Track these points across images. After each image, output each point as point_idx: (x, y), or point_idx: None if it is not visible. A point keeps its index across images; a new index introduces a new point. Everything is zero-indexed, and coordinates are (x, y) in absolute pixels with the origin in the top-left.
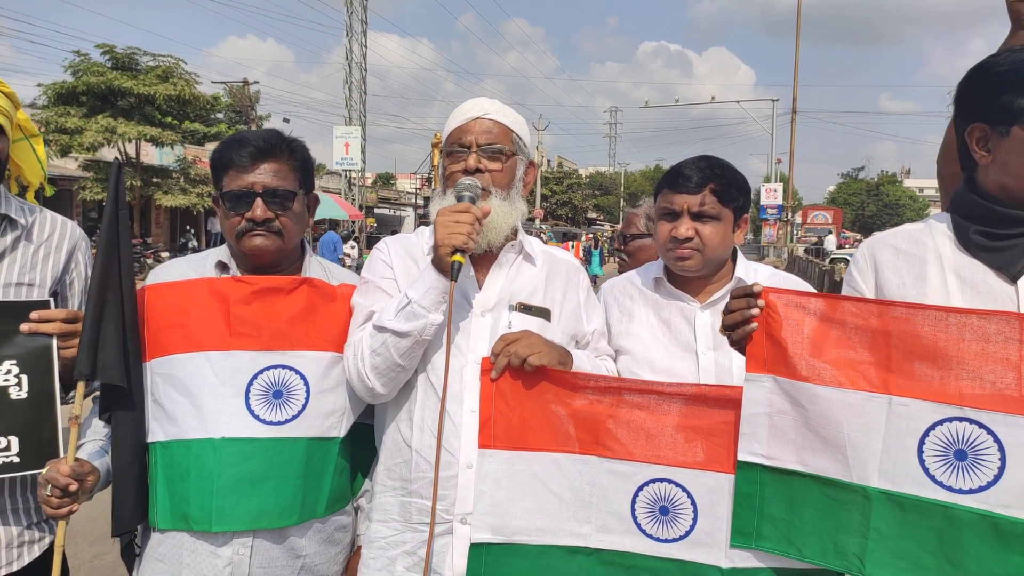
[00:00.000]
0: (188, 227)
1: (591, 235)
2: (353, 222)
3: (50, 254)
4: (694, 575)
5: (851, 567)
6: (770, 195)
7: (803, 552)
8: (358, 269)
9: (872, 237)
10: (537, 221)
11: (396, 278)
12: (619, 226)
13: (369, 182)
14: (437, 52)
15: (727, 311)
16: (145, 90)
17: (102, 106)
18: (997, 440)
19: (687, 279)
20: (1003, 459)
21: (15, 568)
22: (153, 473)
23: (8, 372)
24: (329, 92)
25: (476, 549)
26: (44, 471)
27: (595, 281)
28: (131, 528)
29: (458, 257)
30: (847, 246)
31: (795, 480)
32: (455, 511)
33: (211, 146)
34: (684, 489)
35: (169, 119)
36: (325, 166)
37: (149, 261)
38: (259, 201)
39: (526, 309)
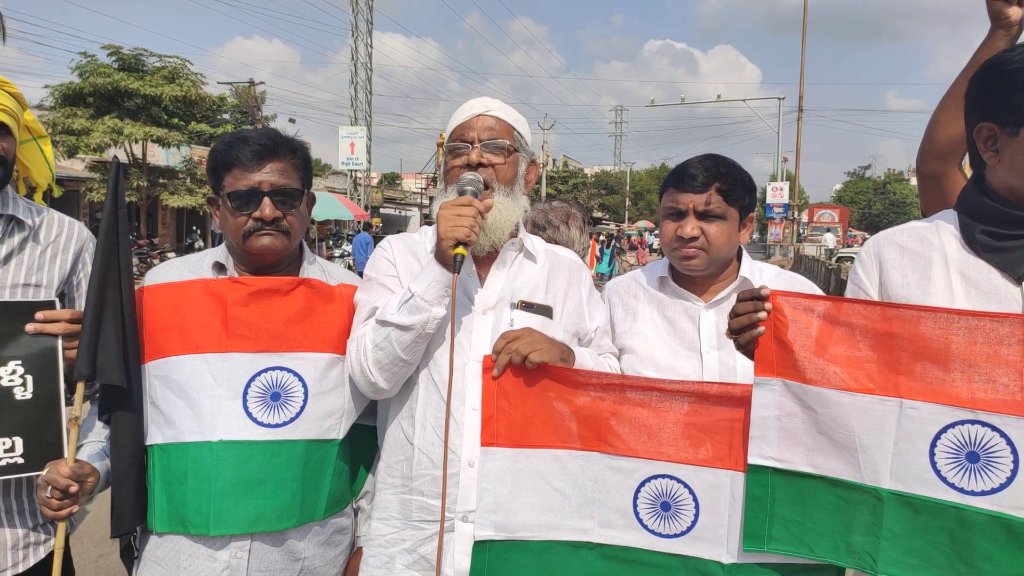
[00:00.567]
0: (194, 227)
1: (607, 233)
2: (358, 222)
3: (57, 255)
4: (696, 570)
5: (864, 565)
6: (776, 194)
7: (816, 551)
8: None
9: (878, 234)
10: None
11: (399, 275)
12: (624, 225)
13: (374, 182)
14: (442, 52)
15: (734, 314)
16: (151, 91)
17: (109, 107)
18: (1010, 443)
19: (692, 278)
20: (1016, 462)
21: (21, 570)
22: (151, 476)
23: (13, 372)
24: (335, 92)
25: (480, 546)
26: (44, 473)
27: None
28: (130, 530)
29: (460, 250)
30: (855, 245)
31: (806, 482)
32: (457, 509)
33: None
34: (686, 485)
35: (175, 120)
36: (331, 166)
37: (156, 261)
38: (267, 200)
39: (528, 307)
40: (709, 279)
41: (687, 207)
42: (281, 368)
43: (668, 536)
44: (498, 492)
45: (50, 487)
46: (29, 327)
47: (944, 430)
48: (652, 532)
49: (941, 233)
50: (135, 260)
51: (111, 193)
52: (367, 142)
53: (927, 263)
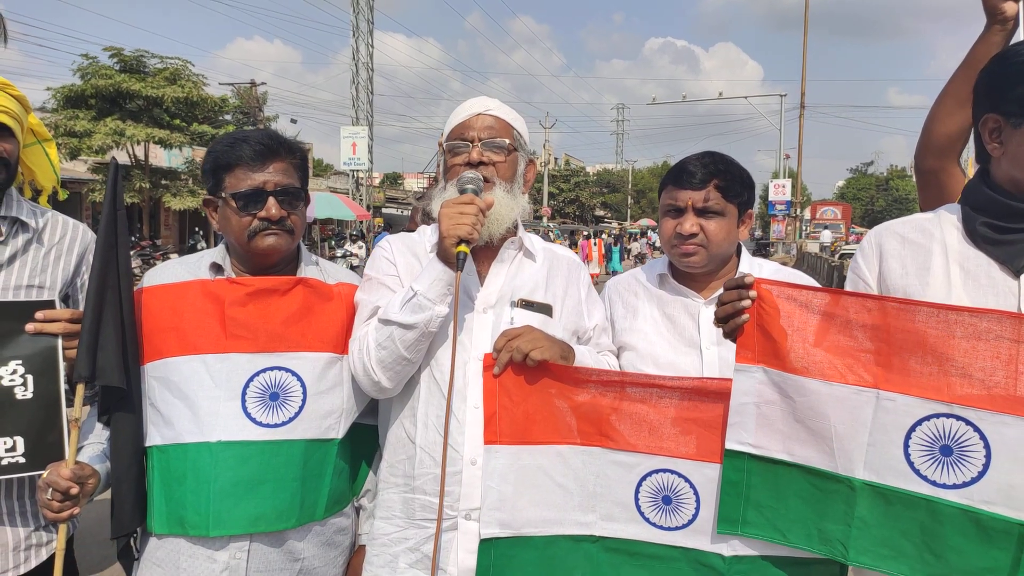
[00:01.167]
0: (197, 228)
1: (614, 232)
2: (361, 222)
3: (61, 257)
4: (697, 562)
5: (835, 552)
6: (779, 191)
7: (788, 537)
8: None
9: (881, 224)
10: (545, 219)
11: (399, 275)
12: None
13: (376, 182)
14: (443, 51)
15: (719, 303)
16: (153, 92)
17: (111, 109)
18: (983, 437)
19: (692, 275)
20: (988, 456)
21: (22, 571)
22: (150, 477)
23: (14, 372)
24: (336, 92)
25: (485, 544)
26: (44, 475)
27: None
28: (130, 531)
29: (463, 248)
30: (855, 242)
31: (781, 469)
32: (460, 507)
33: None
34: (686, 479)
35: (177, 121)
36: (333, 166)
37: (158, 263)
38: (272, 200)
39: (528, 305)
40: (708, 276)
41: (686, 204)
42: (279, 368)
43: (669, 529)
44: (502, 490)
45: (51, 489)
46: (29, 327)
47: (919, 423)
48: (654, 525)
49: (943, 225)
50: (138, 262)
51: (110, 194)
52: (369, 142)
53: (927, 254)
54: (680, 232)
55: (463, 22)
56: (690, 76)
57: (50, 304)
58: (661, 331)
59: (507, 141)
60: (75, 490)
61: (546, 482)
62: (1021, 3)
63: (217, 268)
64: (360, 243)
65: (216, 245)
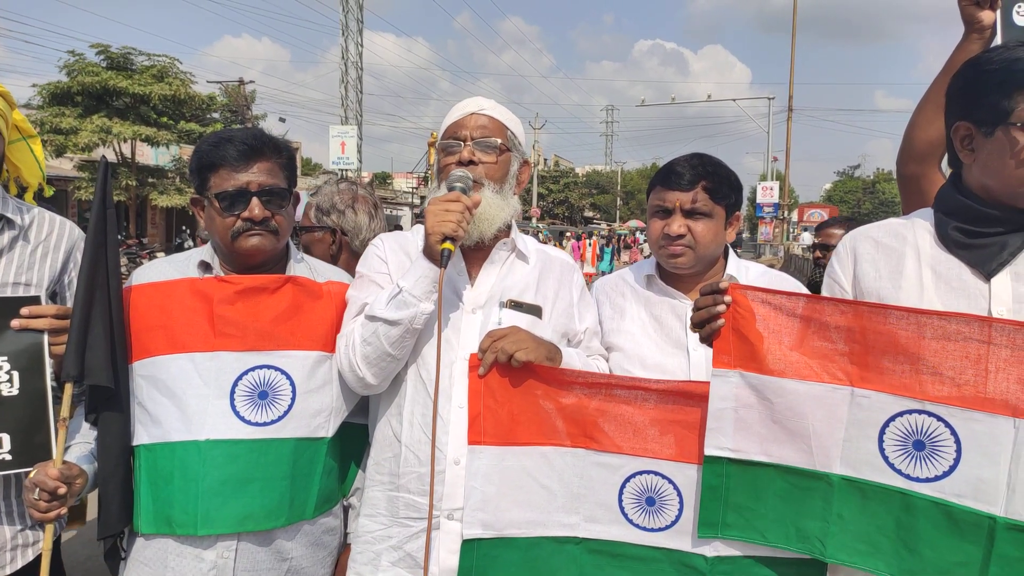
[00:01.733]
0: (184, 227)
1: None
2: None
3: (48, 254)
4: (680, 563)
5: (813, 550)
6: (766, 193)
7: (767, 537)
8: None
9: (856, 229)
10: (534, 220)
11: (390, 272)
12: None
13: (365, 181)
14: (433, 51)
15: (695, 308)
16: (140, 90)
17: (97, 106)
18: (954, 433)
19: (679, 276)
20: (959, 451)
21: (9, 572)
22: (137, 476)
23: (0, 369)
24: (325, 91)
25: (468, 545)
26: (31, 474)
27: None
28: (118, 531)
29: (448, 245)
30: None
31: (760, 470)
32: (442, 507)
33: None
34: (670, 481)
35: (165, 119)
36: (321, 165)
37: (145, 262)
38: (256, 200)
39: (517, 306)
40: (696, 277)
41: (674, 205)
42: (268, 366)
43: (653, 530)
44: (486, 490)
45: (38, 489)
46: (14, 323)
47: (892, 418)
48: (637, 526)
49: (916, 229)
50: (124, 260)
51: (99, 193)
52: (358, 141)
53: (900, 258)
54: (668, 233)
55: (453, 22)
56: (679, 78)
57: (35, 300)
58: (648, 332)
59: (499, 141)
60: (62, 490)
61: (530, 483)
62: (998, 12)
63: (205, 266)
64: None
65: (204, 244)
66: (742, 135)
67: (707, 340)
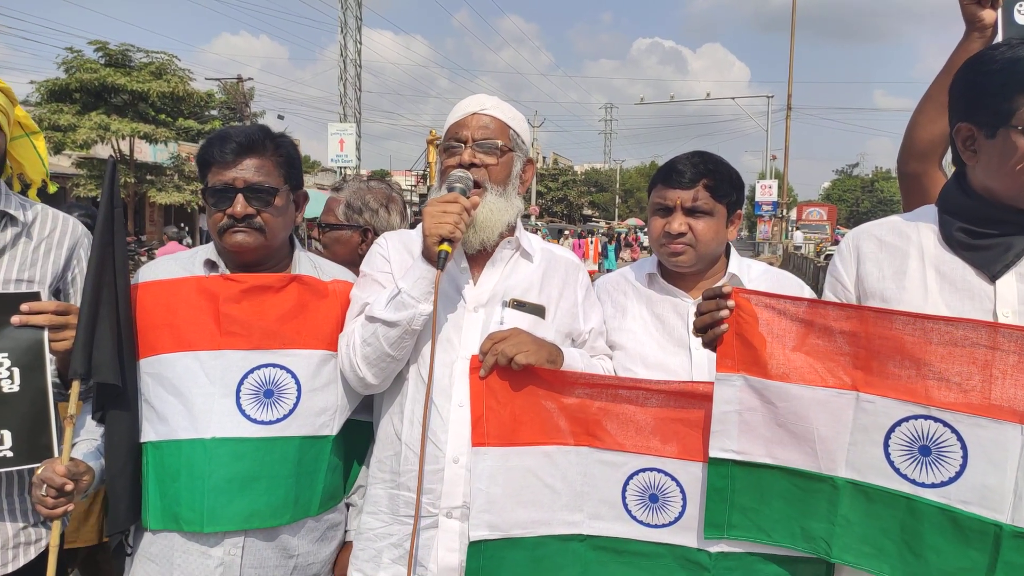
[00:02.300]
0: (182, 224)
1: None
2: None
3: (51, 251)
4: (683, 558)
5: (818, 550)
6: (765, 191)
7: (772, 536)
8: None
9: (859, 227)
10: (533, 218)
11: (393, 272)
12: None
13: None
14: (432, 49)
15: (698, 313)
16: (139, 87)
17: (95, 103)
18: (960, 439)
19: (681, 275)
20: (965, 457)
21: (10, 569)
22: (145, 473)
23: (0, 365)
24: (324, 89)
25: (474, 546)
26: (39, 471)
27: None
28: (125, 528)
29: (445, 246)
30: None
31: (765, 472)
32: (441, 505)
33: None
34: (673, 478)
35: (163, 116)
36: (320, 163)
37: (143, 259)
38: (240, 197)
39: (519, 306)
40: (697, 275)
41: (675, 203)
42: (274, 365)
43: (656, 526)
44: (491, 492)
45: (45, 485)
46: (14, 319)
47: (898, 423)
48: (641, 523)
49: (920, 228)
50: None
51: (107, 192)
52: (356, 139)
53: (904, 257)
54: (668, 231)
55: (451, 19)
56: (678, 77)
57: (35, 296)
58: (650, 331)
59: (501, 142)
60: (69, 487)
61: (534, 483)
62: (1000, 10)
63: (212, 265)
64: None
65: (202, 242)
66: (741, 133)
67: (711, 344)
